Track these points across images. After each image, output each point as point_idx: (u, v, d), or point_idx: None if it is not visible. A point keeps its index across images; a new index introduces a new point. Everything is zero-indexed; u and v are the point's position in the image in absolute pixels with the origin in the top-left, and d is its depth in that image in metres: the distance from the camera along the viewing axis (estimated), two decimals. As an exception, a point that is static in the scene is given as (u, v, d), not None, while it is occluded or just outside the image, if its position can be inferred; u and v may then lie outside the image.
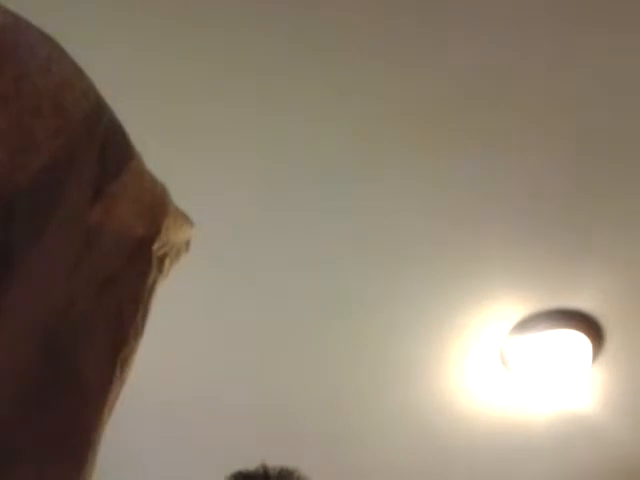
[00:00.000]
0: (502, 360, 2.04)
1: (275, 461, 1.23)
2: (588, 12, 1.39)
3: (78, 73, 0.55)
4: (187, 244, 0.62)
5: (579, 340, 1.97)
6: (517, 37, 1.43)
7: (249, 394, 2.13)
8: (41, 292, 0.49)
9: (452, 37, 1.43)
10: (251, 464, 1.28)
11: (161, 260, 0.57)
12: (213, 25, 1.40)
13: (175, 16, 1.39)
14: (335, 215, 1.73)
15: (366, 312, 1.93)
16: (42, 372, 0.49)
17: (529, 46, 1.44)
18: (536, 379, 2.02)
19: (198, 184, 1.64)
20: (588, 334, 1.97)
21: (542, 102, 1.53)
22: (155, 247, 0.56)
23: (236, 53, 1.44)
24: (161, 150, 1.54)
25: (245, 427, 2.22)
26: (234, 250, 1.79)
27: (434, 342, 2.00)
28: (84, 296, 0.52)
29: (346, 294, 1.89)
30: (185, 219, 0.60)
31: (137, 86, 1.48)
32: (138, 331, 0.56)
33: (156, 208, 0.56)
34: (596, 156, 1.62)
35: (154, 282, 0.57)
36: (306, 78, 1.49)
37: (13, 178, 0.47)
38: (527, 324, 1.96)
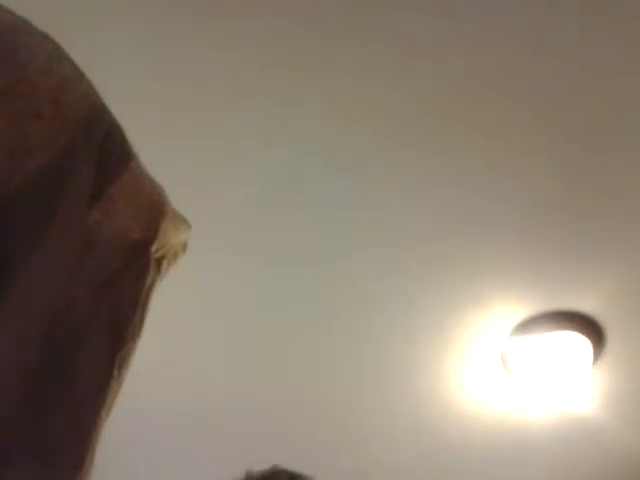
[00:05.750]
0: (503, 361, 2.04)
1: (275, 463, 1.23)
2: (588, 12, 1.39)
3: (78, 74, 0.55)
4: (184, 246, 0.62)
5: (580, 342, 1.97)
6: (518, 37, 1.43)
7: (249, 395, 2.13)
8: (40, 293, 0.49)
9: (454, 37, 1.43)
10: (251, 465, 1.28)
11: (159, 262, 0.57)
12: (216, 21, 1.40)
13: (176, 15, 1.39)
14: (335, 216, 1.73)
15: (366, 313, 1.93)
16: (41, 373, 0.49)
17: (529, 46, 1.44)
18: (537, 381, 2.02)
19: (198, 184, 1.64)
20: (589, 336, 1.97)
21: (543, 103, 1.53)
22: (153, 249, 0.56)
23: (237, 51, 1.44)
24: (160, 151, 1.54)
25: (245, 428, 2.22)
26: (234, 252, 1.79)
27: (434, 343, 1.99)
28: (83, 297, 0.52)
29: (346, 295, 1.89)
30: (182, 221, 0.60)
31: (136, 87, 1.48)
32: (136, 332, 0.56)
33: (154, 210, 0.56)
34: (597, 157, 1.62)
35: (152, 284, 0.57)
36: (311, 77, 1.49)
37: (13, 179, 0.48)
38: (528, 325, 1.96)
